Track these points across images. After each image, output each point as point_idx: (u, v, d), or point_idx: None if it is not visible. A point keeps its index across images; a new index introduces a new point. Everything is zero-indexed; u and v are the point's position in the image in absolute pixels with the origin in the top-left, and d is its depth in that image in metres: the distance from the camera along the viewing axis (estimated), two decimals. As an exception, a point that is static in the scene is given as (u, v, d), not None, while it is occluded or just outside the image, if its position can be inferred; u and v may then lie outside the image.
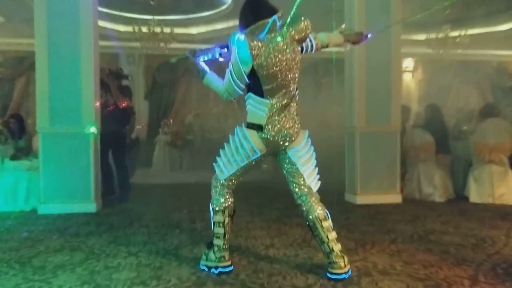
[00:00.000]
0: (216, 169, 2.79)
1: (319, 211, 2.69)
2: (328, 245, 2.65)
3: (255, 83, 2.63)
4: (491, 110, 5.80)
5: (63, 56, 4.80)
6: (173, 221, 4.35)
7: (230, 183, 2.79)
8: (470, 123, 7.00)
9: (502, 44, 9.93)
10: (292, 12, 2.48)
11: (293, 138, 2.71)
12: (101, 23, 7.01)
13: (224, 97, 2.74)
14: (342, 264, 2.63)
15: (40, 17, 4.79)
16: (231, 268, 2.79)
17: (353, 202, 5.25)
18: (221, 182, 2.78)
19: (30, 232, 3.92)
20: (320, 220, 2.67)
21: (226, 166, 2.75)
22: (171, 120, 9.89)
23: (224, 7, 8.14)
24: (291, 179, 2.76)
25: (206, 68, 2.83)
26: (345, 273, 2.63)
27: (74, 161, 4.81)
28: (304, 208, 2.72)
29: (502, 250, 3.26)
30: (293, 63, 2.65)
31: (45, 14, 4.77)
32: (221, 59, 2.86)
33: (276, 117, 2.64)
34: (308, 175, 2.75)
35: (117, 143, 5.47)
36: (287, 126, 2.67)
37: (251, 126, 2.68)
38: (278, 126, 2.65)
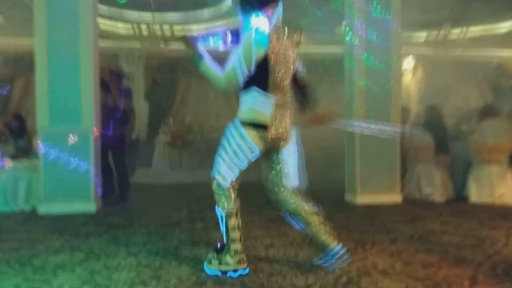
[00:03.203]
0: (218, 178, 2.67)
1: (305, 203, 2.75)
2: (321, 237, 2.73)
3: (261, 73, 2.56)
4: (491, 110, 5.80)
5: (63, 56, 4.80)
6: (173, 221, 4.35)
7: (235, 185, 2.73)
8: (469, 123, 7.01)
9: (502, 44, 9.92)
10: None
11: (289, 136, 2.71)
12: (101, 23, 7.01)
13: (222, 86, 2.64)
14: None
15: (40, 17, 4.79)
16: (248, 269, 2.76)
17: (353, 202, 5.25)
18: (226, 188, 2.69)
19: (30, 232, 3.92)
20: (312, 212, 2.74)
21: (228, 172, 2.65)
22: (171, 120, 9.88)
23: (223, 5, 8.15)
24: (272, 174, 2.79)
25: (205, 54, 2.71)
26: None
27: (74, 161, 4.81)
28: (282, 199, 2.77)
29: (501, 250, 3.26)
30: (292, 59, 2.70)
31: (45, 14, 4.77)
32: (222, 46, 2.79)
33: (278, 115, 2.63)
34: (288, 173, 2.77)
35: (117, 143, 5.47)
36: (287, 124, 2.68)
37: (250, 124, 2.61)
38: (281, 124, 2.63)
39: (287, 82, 2.68)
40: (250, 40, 2.51)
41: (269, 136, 2.62)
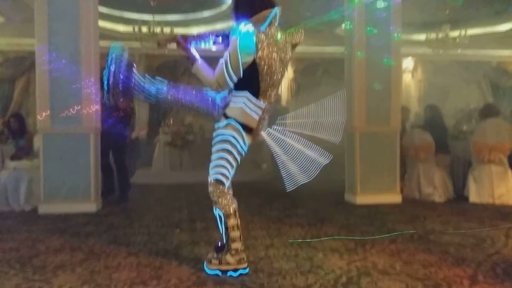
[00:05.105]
0: (223, 180, 2.69)
1: None
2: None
3: (252, 79, 2.58)
4: (491, 110, 5.80)
5: (63, 56, 4.79)
6: (173, 221, 4.36)
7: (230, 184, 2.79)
8: (469, 123, 7.02)
9: (502, 44, 9.93)
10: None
11: None
12: (101, 23, 7.01)
13: (213, 88, 2.66)
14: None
15: (40, 17, 4.80)
16: (248, 269, 2.75)
17: (353, 202, 5.25)
18: (226, 188, 2.73)
19: (30, 232, 3.92)
20: None
21: (231, 172, 2.72)
22: (171, 120, 9.88)
23: (224, 7, 8.15)
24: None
25: (197, 56, 2.72)
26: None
27: (74, 161, 4.82)
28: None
29: (501, 250, 3.27)
30: (286, 64, 2.70)
31: (45, 14, 4.77)
32: (214, 48, 2.78)
33: (262, 120, 2.70)
34: None
35: (117, 143, 5.47)
36: (265, 126, 2.78)
37: (243, 125, 2.65)
38: (262, 127, 2.75)
39: (280, 83, 2.71)
40: (235, 45, 2.49)
41: (255, 138, 2.74)
